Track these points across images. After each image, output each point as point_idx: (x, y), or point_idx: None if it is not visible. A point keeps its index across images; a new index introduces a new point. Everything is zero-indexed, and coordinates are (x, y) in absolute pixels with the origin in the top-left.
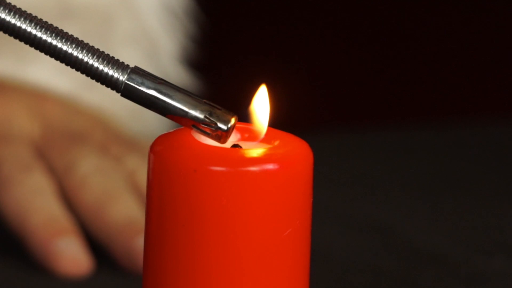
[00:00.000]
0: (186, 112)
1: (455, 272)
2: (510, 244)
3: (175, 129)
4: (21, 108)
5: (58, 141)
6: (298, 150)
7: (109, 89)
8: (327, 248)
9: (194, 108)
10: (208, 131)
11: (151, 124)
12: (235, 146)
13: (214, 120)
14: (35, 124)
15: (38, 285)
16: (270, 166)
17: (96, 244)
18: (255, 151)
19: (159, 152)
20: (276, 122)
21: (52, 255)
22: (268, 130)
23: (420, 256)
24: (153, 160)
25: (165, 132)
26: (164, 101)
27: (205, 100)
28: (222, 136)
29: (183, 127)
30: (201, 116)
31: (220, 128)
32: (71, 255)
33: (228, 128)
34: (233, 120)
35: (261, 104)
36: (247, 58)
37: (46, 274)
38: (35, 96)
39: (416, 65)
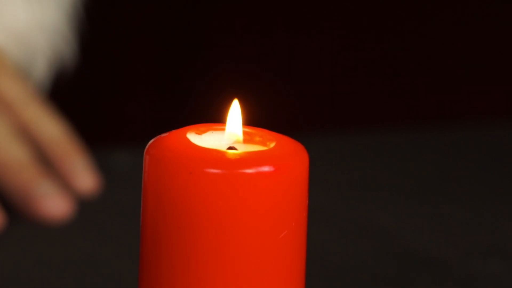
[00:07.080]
0: None
1: (450, 275)
2: (504, 247)
3: (170, 131)
4: None
5: None
6: (294, 152)
7: None
8: (323, 250)
9: None
10: None
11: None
12: (230, 148)
13: None
14: None
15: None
16: (266, 168)
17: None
18: (250, 153)
19: (154, 154)
20: (271, 124)
21: None
22: (263, 132)
23: (416, 258)
24: (149, 162)
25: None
26: None
27: None
28: None
29: (177, 129)
30: None
31: None
32: None
33: None
34: None
35: (233, 120)
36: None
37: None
38: None
39: (411, 68)
